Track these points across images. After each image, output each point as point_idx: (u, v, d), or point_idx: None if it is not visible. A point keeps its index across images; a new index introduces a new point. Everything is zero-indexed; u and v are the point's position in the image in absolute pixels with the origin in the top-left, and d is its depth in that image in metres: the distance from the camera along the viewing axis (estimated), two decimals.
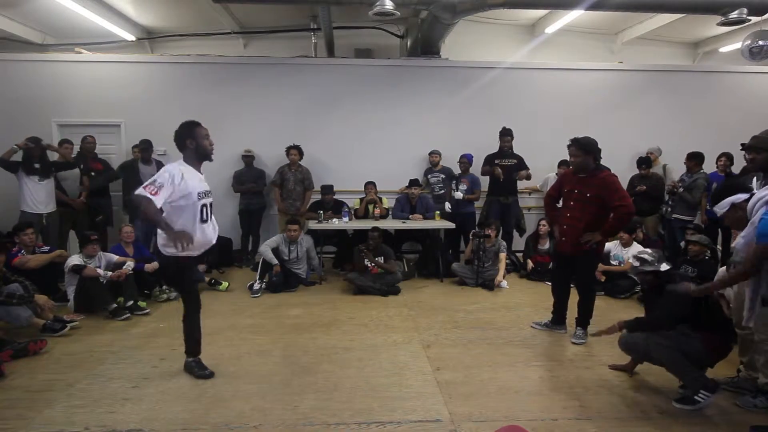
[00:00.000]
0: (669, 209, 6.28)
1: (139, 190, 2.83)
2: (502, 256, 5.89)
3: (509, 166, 6.53)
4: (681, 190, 6.12)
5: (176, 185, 2.91)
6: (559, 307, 4.28)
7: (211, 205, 3.19)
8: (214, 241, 3.25)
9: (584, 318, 4.08)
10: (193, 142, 3.08)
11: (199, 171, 3.16)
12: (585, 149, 3.88)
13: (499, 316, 4.69)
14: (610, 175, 3.89)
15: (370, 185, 6.67)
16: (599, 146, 3.95)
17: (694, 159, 6.11)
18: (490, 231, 5.92)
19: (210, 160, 3.19)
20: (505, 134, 6.55)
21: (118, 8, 7.45)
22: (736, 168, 5.90)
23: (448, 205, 6.52)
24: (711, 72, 7.80)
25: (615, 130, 7.24)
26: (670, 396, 3.04)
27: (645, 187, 6.48)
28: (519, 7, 6.47)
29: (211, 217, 3.20)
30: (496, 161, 6.55)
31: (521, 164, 6.57)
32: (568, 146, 3.98)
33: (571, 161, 4.06)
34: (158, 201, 2.81)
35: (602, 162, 4.02)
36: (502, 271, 5.81)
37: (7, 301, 3.90)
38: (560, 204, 4.22)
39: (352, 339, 4.07)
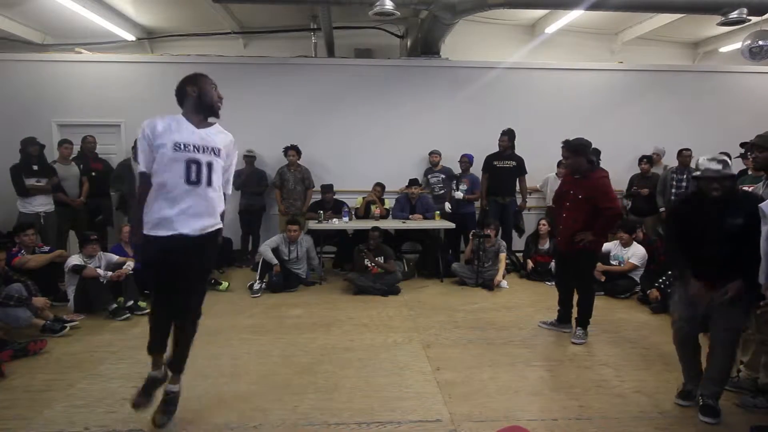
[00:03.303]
0: None
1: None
2: (502, 256, 5.89)
3: (508, 169, 6.55)
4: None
5: (149, 137, 2.46)
6: (564, 306, 4.31)
7: (210, 165, 2.51)
8: (197, 227, 2.49)
9: (583, 318, 4.08)
10: (195, 89, 2.56)
11: (197, 126, 2.55)
12: (574, 150, 3.91)
13: (499, 316, 4.69)
14: (601, 177, 3.90)
15: (377, 187, 6.69)
16: (598, 147, 3.97)
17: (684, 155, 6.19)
18: (489, 231, 5.92)
19: (216, 114, 2.63)
20: (503, 134, 6.54)
21: (118, 8, 7.44)
22: (734, 168, 5.87)
23: (448, 206, 6.53)
24: (711, 72, 7.80)
25: (615, 130, 7.26)
26: (670, 396, 3.03)
27: (647, 191, 6.47)
28: (519, 7, 6.47)
29: (210, 181, 2.52)
30: (495, 162, 6.57)
31: (521, 167, 6.58)
32: (561, 148, 4.04)
33: (563, 163, 4.10)
34: (142, 166, 2.49)
35: (601, 162, 4.02)
36: (501, 271, 5.80)
37: (5, 302, 3.89)
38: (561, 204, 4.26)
39: (352, 339, 4.07)
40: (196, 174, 2.47)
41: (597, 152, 6.53)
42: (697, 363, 2.98)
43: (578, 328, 4.08)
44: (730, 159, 2.71)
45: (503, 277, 5.83)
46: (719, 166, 2.70)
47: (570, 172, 4.06)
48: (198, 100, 2.56)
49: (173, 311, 2.62)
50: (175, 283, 2.54)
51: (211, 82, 2.61)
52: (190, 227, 2.47)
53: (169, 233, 2.44)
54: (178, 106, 2.62)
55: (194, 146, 2.48)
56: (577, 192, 3.93)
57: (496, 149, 6.64)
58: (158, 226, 2.45)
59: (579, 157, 3.89)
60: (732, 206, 2.69)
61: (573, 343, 4.00)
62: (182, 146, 2.45)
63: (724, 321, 2.74)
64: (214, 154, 2.53)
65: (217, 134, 2.61)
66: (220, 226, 2.65)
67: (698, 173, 2.78)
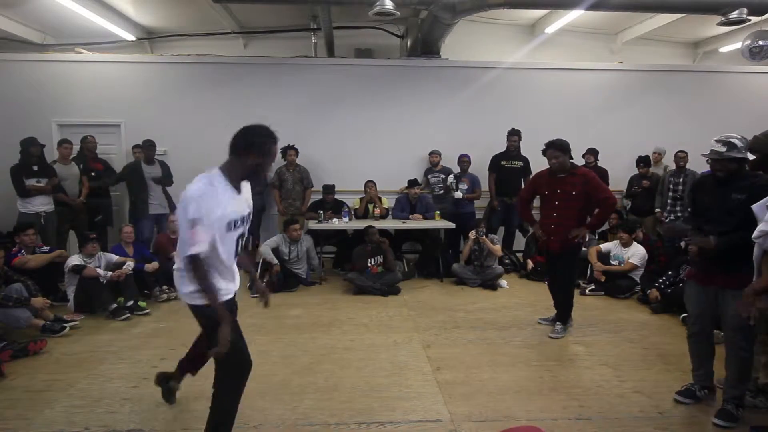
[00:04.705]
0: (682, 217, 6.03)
1: (186, 248, 2.11)
2: (497, 245, 5.91)
3: (515, 169, 6.56)
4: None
5: (203, 216, 2.10)
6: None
7: (243, 234, 2.42)
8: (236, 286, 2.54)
9: (565, 314, 4.20)
10: (258, 161, 2.18)
11: (238, 188, 2.25)
12: (563, 149, 4.01)
13: (499, 316, 4.69)
14: (589, 171, 4.10)
15: (370, 183, 6.68)
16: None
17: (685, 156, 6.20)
18: (481, 227, 5.92)
19: (260, 188, 2.37)
20: (512, 134, 6.59)
21: (118, 8, 7.43)
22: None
23: (458, 194, 6.47)
24: (711, 72, 7.80)
25: (615, 130, 7.26)
26: (670, 396, 3.03)
27: (648, 182, 6.48)
28: (519, 7, 6.47)
29: (240, 248, 2.45)
30: (502, 162, 6.59)
31: (526, 167, 6.59)
32: (545, 150, 4.07)
33: (551, 163, 4.07)
34: (203, 246, 2.12)
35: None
36: (491, 244, 5.81)
37: (5, 303, 3.89)
38: (542, 205, 4.24)
39: (352, 339, 4.07)
40: (243, 245, 2.45)
41: (595, 152, 6.57)
42: (706, 362, 2.96)
43: (557, 323, 4.21)
44: (743, 141, 2.72)
45: (501, 279, 5.84)
46: (723, 148, 2.74)
47: (556, 171, 4.05)
48: (253, 174, 2.25)
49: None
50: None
51: (274, 155, 2.28)
52: (232, 291, 2.51)
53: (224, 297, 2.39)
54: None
55: (242, 219, 2.33)
56: (568, 189, 4.00)
57: (496, 149, 6.65)
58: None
59: (566, 155, 4.03)
60: (736, 184, 2.73)
61: (550, 337, 4.09)
62: (234, 224, 2.28)
63: (730, 308, 2.70)
64: (249, 219, 2.44)
65: (250, 190, 2.43)
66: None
67: (707, 154, 2.87)
